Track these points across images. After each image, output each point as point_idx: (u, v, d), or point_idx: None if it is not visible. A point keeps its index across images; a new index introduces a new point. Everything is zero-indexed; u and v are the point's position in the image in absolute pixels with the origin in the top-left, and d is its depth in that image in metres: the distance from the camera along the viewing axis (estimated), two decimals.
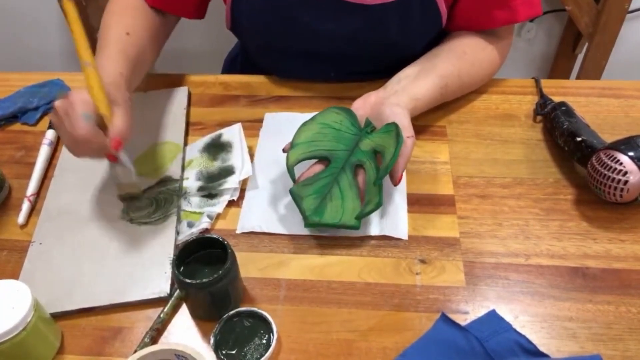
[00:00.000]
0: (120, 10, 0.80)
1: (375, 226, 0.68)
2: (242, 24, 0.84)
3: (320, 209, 0.66)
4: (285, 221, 0.69)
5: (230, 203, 0.71)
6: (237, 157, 0.75)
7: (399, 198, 0.71)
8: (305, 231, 0.68)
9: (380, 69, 0.85)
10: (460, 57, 0.78)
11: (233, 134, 0.79)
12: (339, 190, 0.67)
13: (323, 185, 0.68)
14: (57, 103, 0.61)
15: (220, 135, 0.79)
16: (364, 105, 0.74)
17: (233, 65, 1.06)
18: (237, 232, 0.68)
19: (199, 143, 0.79)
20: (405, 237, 0.67)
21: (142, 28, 0.79)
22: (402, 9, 0.76)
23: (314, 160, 0.70)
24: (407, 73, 0.77)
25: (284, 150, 0.70)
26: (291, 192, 0.68)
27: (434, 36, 0.83)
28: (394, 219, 0.68)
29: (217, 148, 0.77)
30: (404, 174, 0.73)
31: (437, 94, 0.76)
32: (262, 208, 0.71)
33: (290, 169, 0.68)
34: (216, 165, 0.75)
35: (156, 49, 0.83)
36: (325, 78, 0.88)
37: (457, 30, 0.82)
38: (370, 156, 0.68)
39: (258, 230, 0.68)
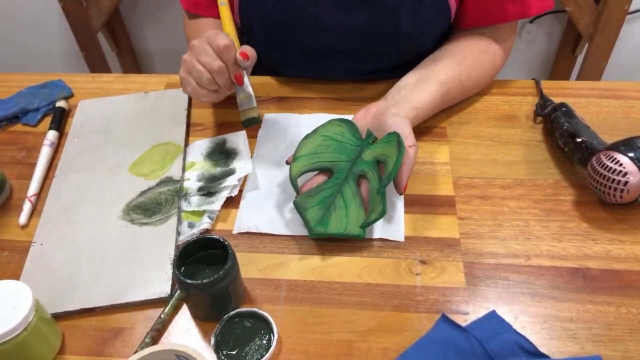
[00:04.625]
0: (197, 26, 0.89)
1: (373, 229, 0.68)
2: (250, 21, 0.84)
3: (325, 219, 0.66)
4: (282, 222, 0.69)
5: (231, 204, 0.71)
6: (240, 162, 0.76)
7: (396, 200, 0.71)
8: (302, 232, 0.68)
9: (390, 67, 0.86)
10: (461, 62, 0.78)
11: (238, 141, 0.79)
12: (342, 201, 0.67)
13: (327, 196, 0.68)
14: (195, 40, 0.71)
15: (224, 141, 0.79)
16: (365, 116, 0.74)
17: None
18: (234, 232, 0.69)
19: (201, 146, 0.79)
20: (401, 239, 0.67)
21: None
22: (413, 2, 0.76)
23: (317, 172, 0.71)
24: (407, 82, 0.77)
25: (287, 163, 0.71)
26: (295, 203, 0.68)
27: (443, 31, 0.83)
28: (391, 222, 0.68)
29: (221, 154, 0.77)
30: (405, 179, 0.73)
31: (438, 100, 0.76)
32: (259, 209, 0.71)
33: (293, 181, 0.68)
34: (218, 169, 0.75)
35: None
36: (334, 76, 0.88)
37: (468, 26, 0.82)
38: (372, 166, 0.68)
39: (254, 230, 0.68)
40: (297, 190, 0.69)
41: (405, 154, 0.65)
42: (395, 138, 0.66)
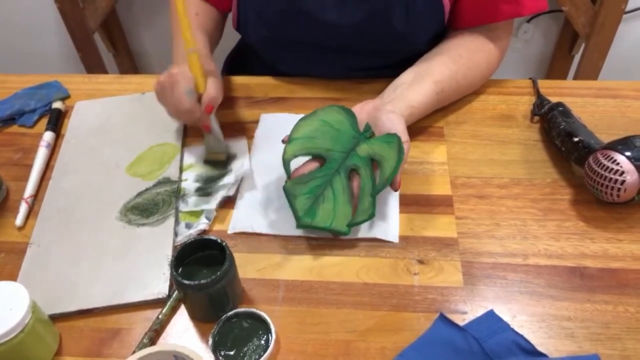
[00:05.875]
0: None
1: (367, 229, 0.68)
2: (248, 17, 0.85)
3: (312, 210, 0.66)
4: (276, 222, 0.69)
5: (229, 205, 0.71)
6: (237, 162, 0.76)
7: (391, 200, 0.71)
8: (297, 232, 0.68)
9: (385, 65, 0.86)
10: (457, 61, 0.79)
11: (240, 147, 0.78)
12: (332, 193, 0.67)
13: (317, 186, 0.68)
14: (163, 78, 0.72)
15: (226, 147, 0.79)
16: (361, 112, 0.74)
17: (232, 66, 1.07)
18: (229, 232, 0.69)
19: (201, 152, 0.78)
20: (396, 240, 0.67)
21: (205, 10, 0.87)
22: (405, 0, 0.76)
23: (309, 158, 0.70)
24: (403, 80, 0.77)
25: (283, 142, 0.70)
26: (285, 188, 0.67)
27: (438, 32, 0.84)
28: (386, 222, 0.68)
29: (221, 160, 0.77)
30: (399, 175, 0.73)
31: (434, 99, 0.76)
32: (254, 209, 0.71)
33: (286, 163, 0.68)
34: (216, 170, 0.75)
35: (218, 34, 0.91)
36: (329, 72, 0.88)
37: (462, 25, 0.83)
38: (366, 163, 0.68)
39: (249, 230, 0.68)
40: (289, 174, 0.68)
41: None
42: (395, 141, 0.66)
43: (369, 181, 0.66)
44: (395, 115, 0.70)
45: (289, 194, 0.67)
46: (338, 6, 0.78)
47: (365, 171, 0.67)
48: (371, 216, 0.65)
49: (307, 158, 0.70)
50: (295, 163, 0.69)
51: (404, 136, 0.68)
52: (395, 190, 0.67)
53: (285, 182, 0.68)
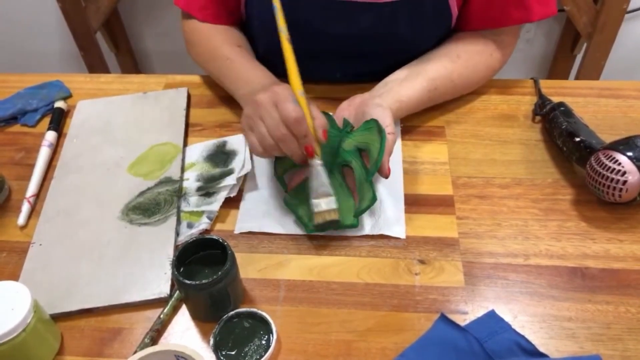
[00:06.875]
0: (208, 34, 0.84)
1: (374, 226, 0.68)
2: (253, 26, 0.85)
3: None
4: (283, 221, 0.69)
5: (230, 204, 0.71)
6: (239, 162, 0.76)
7: (396, 198, 0.71)
8: (303, 231, 0.68)
9: (387, 69, 0.86)
10: (454, 61, 0.78)
11: (238, 143, 0.79)
12: None
13: None
14: (261, 96, 0.64)
15: (224, 143, 0.79)
16: (349, 106, 0.74)
17: None
18: (235, 232, 0.69)
19: (201, 148, 0.79)
20: (402, 236, 0.67)
21: (240, 38, 0.84)
22: (412, 7, 0.76)
23: (301, 167, 0.70)
24: (396, 76, 0.77)
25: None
26: (285, 201, 0.68)
27: (443, 36, 0.83)
28: (392, 219, 0.68)
29: (221, 156, 0.77)
30: (401, 174, 0.73)
31: (425, 96, 0.76)
32: (259, 208, 0.71)
33: (280, 179, 0.68)
34: (217, 170, 0.75)
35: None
36: (331, 78, 0.88)
37: (469, 29, 0.82)
38: (355, 154, 0.68)
39: (256, 230, 0.68)
40: (285, 187, 0.69)
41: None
42: (374, 125, 0.67)
43: (362, 170, 0.67)
44: (382, 108, 0.70)
45: (291, 204, 0.68)
46: (344, 16, 0.77)
47: (357, 162, 0.68)
48: (373, 200, 0.65)
49: (297, 169, 0.71)
50: (288, 174, 0.70)
51: (391, 129, 0.68)
52: (386, 177, 0.66)
53: (285, 192, 0.68)
